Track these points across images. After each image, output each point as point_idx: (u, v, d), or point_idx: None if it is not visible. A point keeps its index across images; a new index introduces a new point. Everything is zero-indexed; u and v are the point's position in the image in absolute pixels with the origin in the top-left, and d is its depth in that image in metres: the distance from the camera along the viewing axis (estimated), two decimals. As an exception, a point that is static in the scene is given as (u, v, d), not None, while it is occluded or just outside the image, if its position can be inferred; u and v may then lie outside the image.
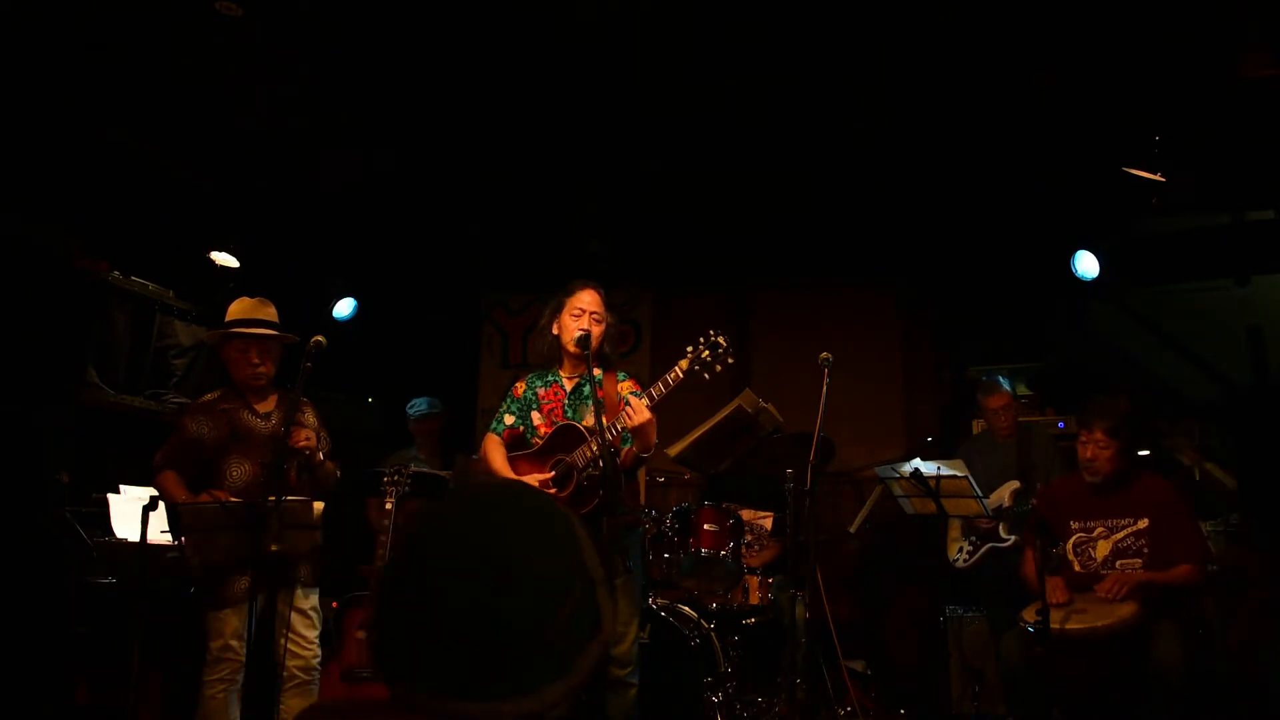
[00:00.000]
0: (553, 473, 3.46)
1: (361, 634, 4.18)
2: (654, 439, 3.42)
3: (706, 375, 3.32)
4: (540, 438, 3.59)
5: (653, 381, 3.40)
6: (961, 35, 4.06)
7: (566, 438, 3.46)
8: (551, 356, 3.70)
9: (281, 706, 3.60)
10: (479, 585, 1.06)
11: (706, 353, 3.31)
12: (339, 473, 3.91)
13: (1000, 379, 5.33)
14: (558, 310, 3.64)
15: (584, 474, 3.35)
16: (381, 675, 1.08)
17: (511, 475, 3.52)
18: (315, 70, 4.38)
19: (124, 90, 4.41)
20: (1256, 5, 3.79)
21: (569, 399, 3.63)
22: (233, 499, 3.49)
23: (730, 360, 3.33)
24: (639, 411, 3.26)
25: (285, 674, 3.60)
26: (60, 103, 4.42)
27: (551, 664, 1.05)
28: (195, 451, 3.68)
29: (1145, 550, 3.72)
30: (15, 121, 4.42)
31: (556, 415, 3.60)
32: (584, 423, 3.46)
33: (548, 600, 1.05)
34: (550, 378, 3.71)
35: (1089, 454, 3.83)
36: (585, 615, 1.09)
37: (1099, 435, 3.80)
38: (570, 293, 3.63)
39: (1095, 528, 3.86)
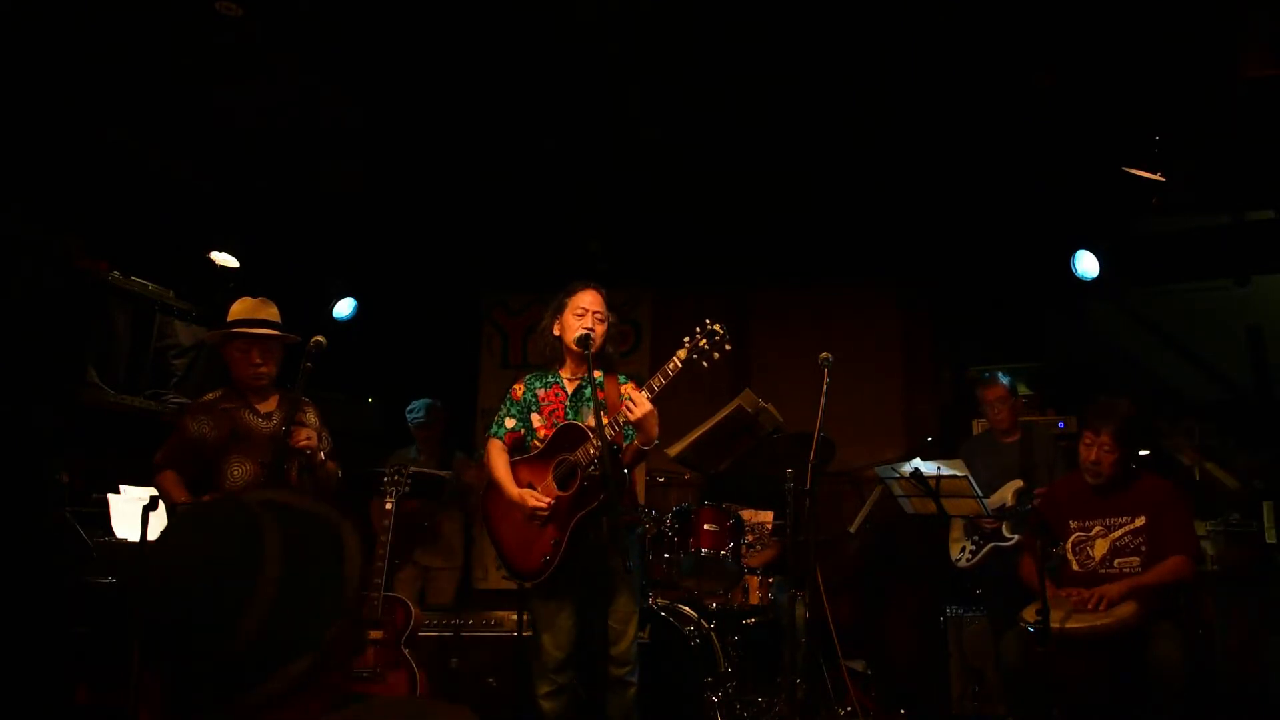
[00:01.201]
0: (553, 482, 3.46)
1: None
2: (656, 432, 3.41)
3: (705, 364, 3.32)
4: (541, 440, 3.59)
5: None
6: (961, 35, 4.06)
7: (569, 437, 3.46)
8: (553, 357, 3.70)
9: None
10: (179, 602, 1.08)
11: (704, 341, 3.31)
12: (340, 473, 3.91)
13: (999, 375, 5.34)
14: (559, 311, 3.64)
15: (587, 471, 3.36)
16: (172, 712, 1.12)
17: (513, 485, 3.51)
18: (315, 70, 4.38)
19: (124, 90, 4.41)
20: (1256, 5, 3.79)
21: (570, 401, 3.63)
22: None
23: (728, 347, 3.33)
24: (640, 404, 3.27)
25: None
26: (60, 103, 4.42)
27: (285, 644, 1.08)
28: (196, 451, 3.68)
29: (1143, 548, 3.72)
30: (15, 121, 4.42)
31: (558, 417, 3.59)
32: (586, 423, 3.46)
33: (246, 589, 1.07)
34: (550, 379, 3.70)
35: (1094, 456, 3.83)
36: (316, 584, 1.11)
37: (1105, 439, 3.78)
38: (572, 293, 3.63)
39: (1093, 527, 3.86)
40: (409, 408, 5.87)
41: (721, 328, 3.32)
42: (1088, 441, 3.86)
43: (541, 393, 3.68)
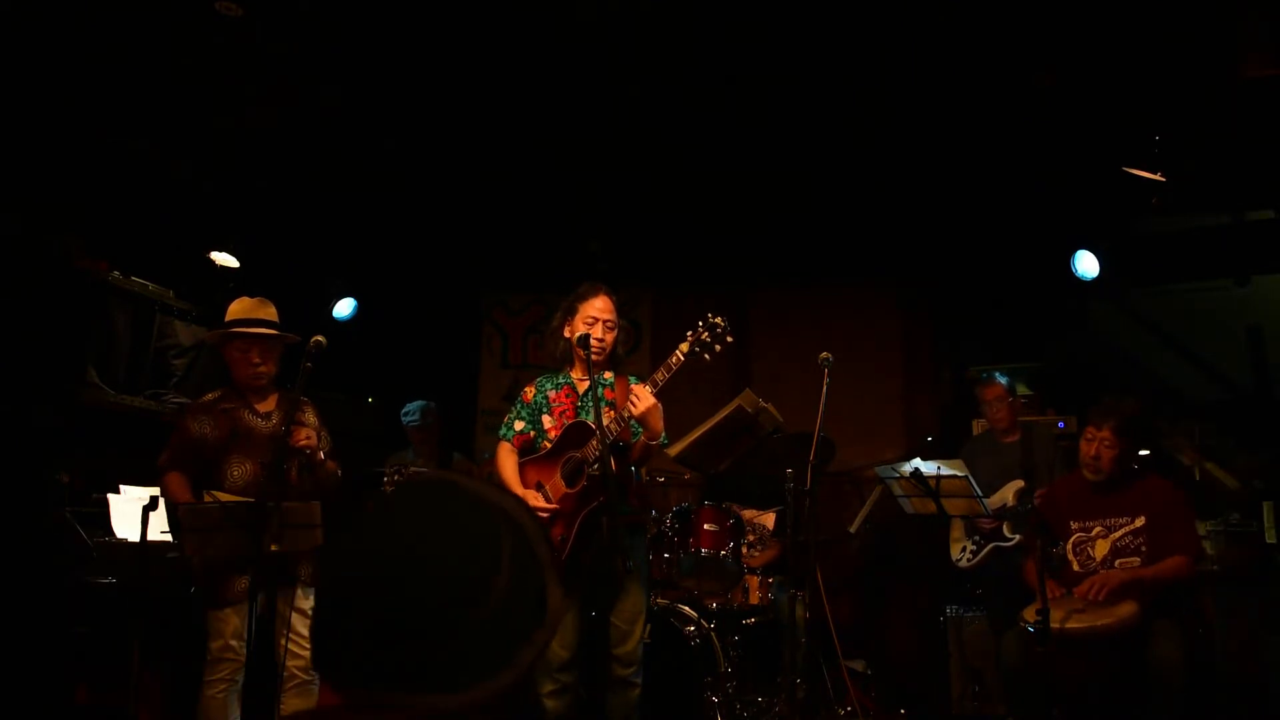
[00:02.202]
0: (561, 479, 3.47)
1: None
2: (661, 426, 3.43)
3: (706, 355, 3.37)
4: (550, 441, 3.60)
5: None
6: (961, 35, 4.06)
7: (577, 435, 3.48)
8: (564, 358, 3.71)
9: (281, 706, 3.59)
10: (408, 579, 1.06)
11: (706, 334, 3.35)
12: (340, 472, 3.91)
13: (997, 375, 5.35)
14: (570, 313, 3.64)
15: (593, 467, 3.36)
16: (323, 675, 1.09)
17: (519, 483, 3.52)
18: (315, 70, 4.38)
19: (124, 90, 4.41)
20: (1256, 5, 3.79)
21: (581, 401, 3.64)
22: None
23: (729, 339, 3.39)
24: (643, 398, 3.28)
25: (285, 674, 3.60)
26: (60, 103, 4.42)
27: (493, 653, 1.06)
28: (198, 451, 3.68)
29: (1143, 549, 3.72)
30: (15, 122, 4.42)
31: (569, 417, 3.60)
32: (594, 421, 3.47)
33: (477, 589, 1.06)
34: (561, 380, 3.71)
35: (1093, 451, 3.83)
36: (527, 602, 1.10)
37: (1107, 434, 3.79)
38: (583, 298, 3.61)
39: (1094, 527, 3.86)
40: (403, 410, 5.84)
41: (723, 320, 3.38)
42: (1089, 436, 3.86)
43: (553, 394, 3.68)
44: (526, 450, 3.67)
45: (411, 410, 5.82)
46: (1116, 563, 3.76)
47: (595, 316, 3.56)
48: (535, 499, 3.44)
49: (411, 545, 1.08)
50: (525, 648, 1.08)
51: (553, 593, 1.12)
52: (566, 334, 3.64)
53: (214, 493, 3.58)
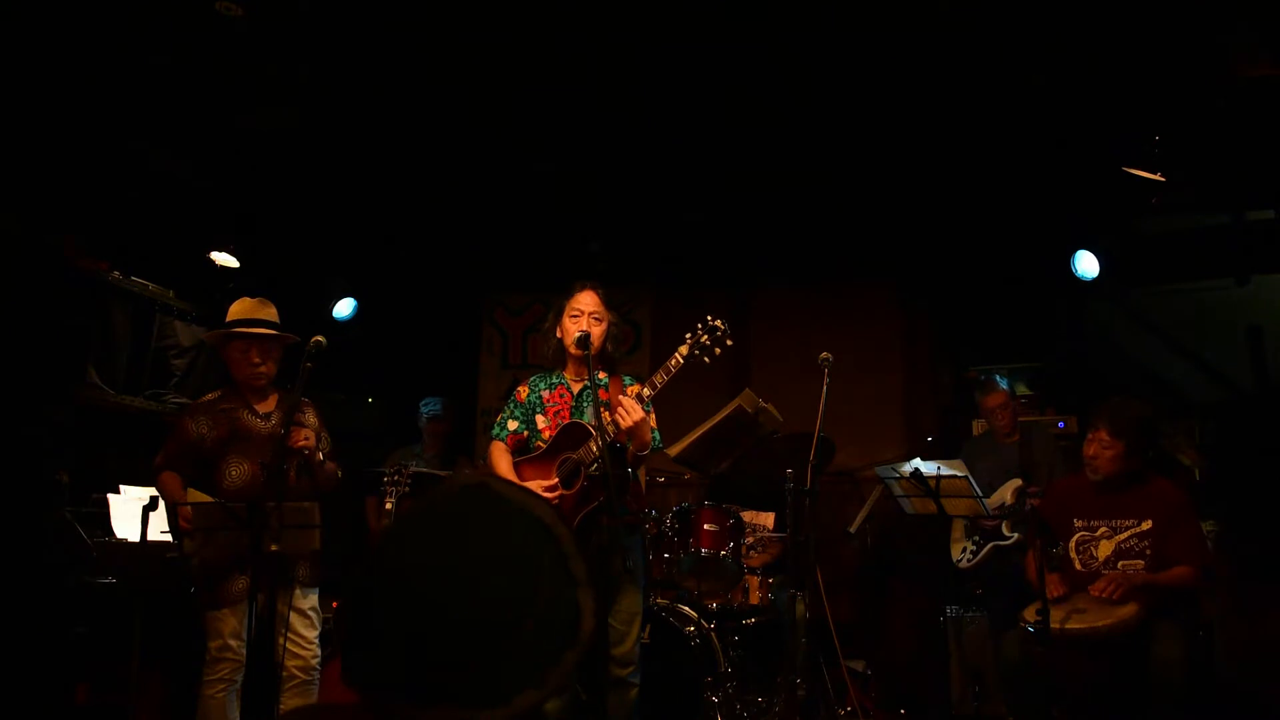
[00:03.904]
0: (557, 479, 3.46)
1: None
2: (649, 438, 3.44)
3: (706, 359, 3.36)
4: (544, 441, 3.59)
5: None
6: (962, 35, 4.05)
7: (573, 436, 3.47)
8: (556, 360, 3.71)
9: (281, 706, 3.60)
10: (446, 591, 1.04)
11: (705, 337, 3.35)
12: (340, 473, 3.91)
13: (998, 378, 5.35)
14: (559, 314, 3.65)
15: (590, 469, 3.36)
16: (351, 682, 1.07)
17: (515, 478, 3.52)
18: (315, 70, 4.38)
19: (124, 90, 4.41)
20: (1256, 5, 3.79)
21: (576, 401, 3.63)
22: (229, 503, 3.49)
23: (729, 343, 3.39)
24: (633, 410, 3.29)
25: (285, 674, 3.60)
26: (60, 103, 4.42)
27: (524, 671, 1.04)
28: (195, 452, 3.68)
29: (1148, 552, 3.71)
30: (16, 122, 4.42)
31: (564, 418, 3.59)
32: (590, 422, 3.47)
33: (516, 606, 1.03)
34: (555, 380, 3.71)
35: (1091, 451, 3.83)
36: (561, 620, 1.07)
37: (1103, 435, 3.79)
38: (570, 295, 3.64)
39: (1099, 527, 3.86)
40: (423, 402, 5.94)
41: (723, 323, 3.38)
42: (1090, 437, 3.87)
43: (546, 394, 3.68)
44: (519, 450, 3.66)
45: (432, 402, 5.94)
46: (1119, 564, 3.75)
47: (580, 310, 3.57)
48: (536, 489, 3.42)
49: (449, 555, 1.04)
50: (554, 670, 1.04)
51: (586, 612, 1.09)
52: (557, 335, 3.65)
53: (212, 493, 3.58)
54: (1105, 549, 3.81)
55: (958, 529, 5.07)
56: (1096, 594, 3.60)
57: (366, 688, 1.05)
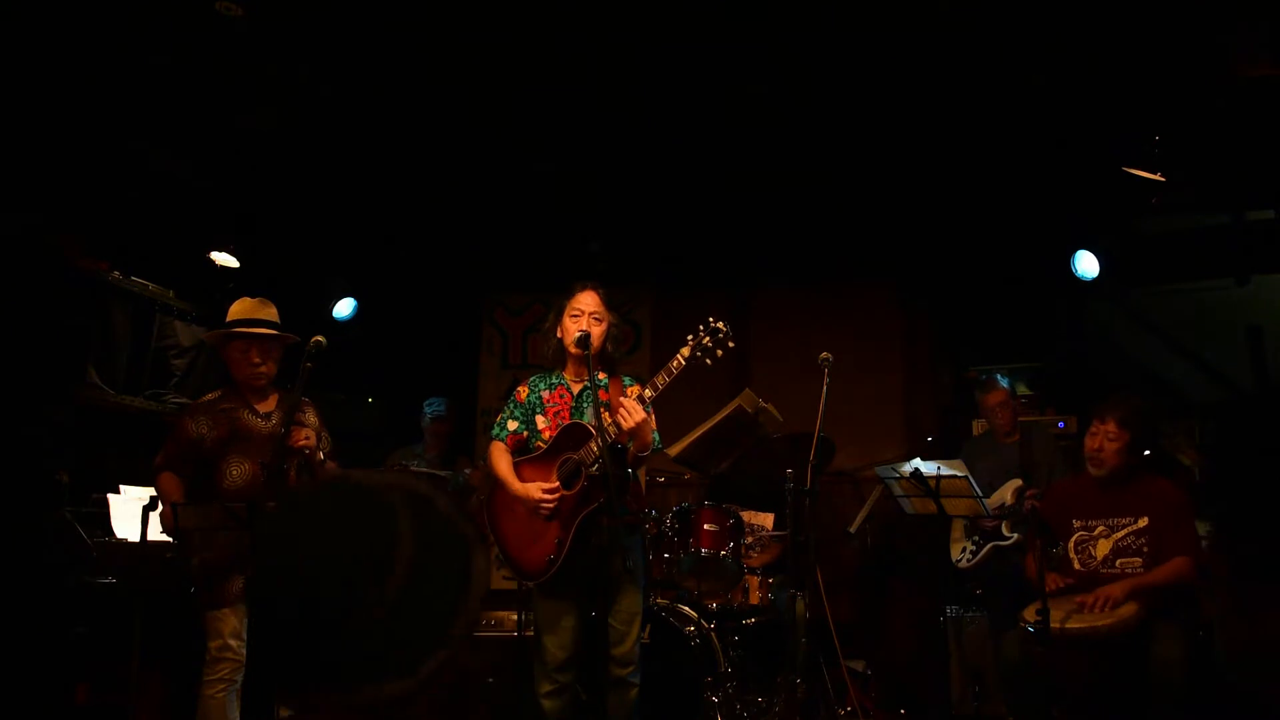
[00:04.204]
0: (558, 479, 3.46)
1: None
2: (650, 439, 3.45)
3: (708, 360, 3.36)
4: (545, 441, 3.59)
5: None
6: (962, 35, 4.06)
7: (574, 436, 3.47)
8: (556, 360, 3.71)
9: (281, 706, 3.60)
10: (322, 579, 1.08)
11: (707, 339, 3.35)
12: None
13: (998, 377, 5.35)
14: (560, 314, 3.65)
15: (591, 469, 3.36)
16: (288, 702, 1.10)
17: (516, 480, 3.51)
18: (315, 70, 4.38)
19: (124, 90, 4.41)
20: (1256, 5, 3.79)
21: (576, 402, 3.63)
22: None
23: (731, 344, 3.38)
24: (634, 412, 3.29)
25: (285, 674, 3.60)
26: (60, 103, 4.42)
27: (424, 638, 1.08)
28: (195, 452, 3.68)
29: (1145, 549, 3.72)
30: (16, 122, 4.42)
31: (564, 418, 3.59)
32: (591, 422, 3.46)
33: (384, 567, 1.07)
34: (555, 380, 3.70)
35: (1097, 444, 3.84)
36: (448, 576, 1.11)
37: (1111, 426, 3.80)
38: (570, 295, 3.64)
39: (1096, 526, 3.86)
40: (427, 402, 5.96)
41: (725, 325, 3.37)
42: (1092, 430, 3.87)
43: (546, 394, 3.68)
44: (519, 450, 3.66)
45: (436, 402, 5.96)
46: (1118, 562, 3.76)
47: (580, 310, 3.57)
48: (536, 491, 3.43)
49: (314, 549, 1.08)
50: (456, 620, 1.08)
51: (477, 567, 1.12)
52: (558, 335, 3.64)
53: (213, 493, 3.58)
54: (1103, 548, 3.81)
55: (957, 528, 5.07)
56: (1085, 606, 3.60)
57: (300, 700, 1.08)
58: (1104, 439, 3.82)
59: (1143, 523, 3.75)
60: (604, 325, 3.59)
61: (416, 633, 1.08)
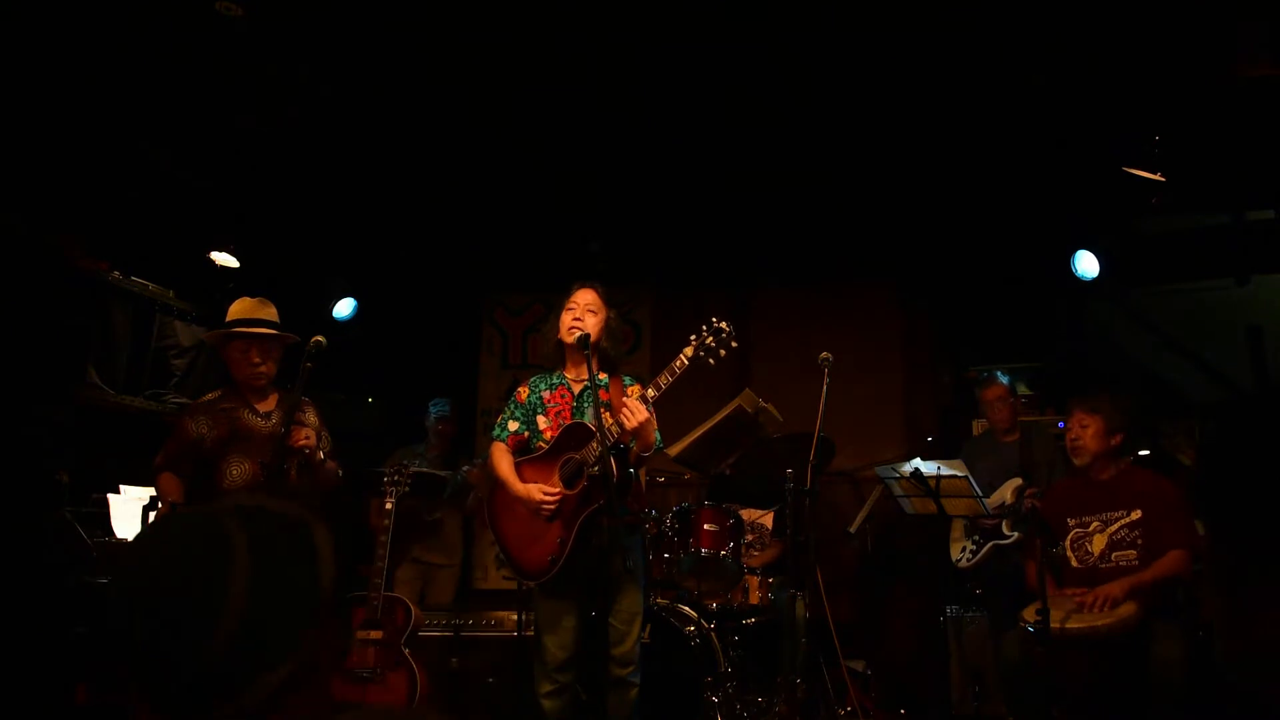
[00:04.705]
0: (560, 480, 3.46)
1: (361, 634, 4.17)
2: (653, 439, 3.45)
3: (711, 360, 3.36)
4: (546, 441, 3.59)
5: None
6: (962, 35, 4.06)
7: (575, 436, 3.47)
8: (555, 358, 3.71)
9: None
10: (157, 611, 1.08)
11: (710, 339, 3.35)
12: (340, 472, 3.91)
13: (999, 374, 5.35)
14: (558, 313, 3.65)
15: (593, 469, 3.36)
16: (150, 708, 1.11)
17: (518, 481, 3.51)
18: (315, 70, 4.38)
19: (124, 90, 4.41)
20: (1256, 5, 3.79)
21: (576, 401, 3.63)
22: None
23: (734, 344, 3.40)
24: (637, 411, 3.28)
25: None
26: (60, 103, 4.42)
27: (275, 646, 1.07)
28: (195, 452, 3.68)
29: (1139, 542, 3.72)
30: (16, 122, 4.42)
31: (564, 418, 3.59)
32: (592, 422, 3.46)
33: (216, 592, 1.07)
34: (555, 380, 3.70)
35: (1073, 434, 3.90)
36: (292, 586, 1.10)
37: (1080, 415, 3.87)
38: (568, 294, 3.64)
39: (1091, 522, 3.87)
40: (432, 403, 5.95)
41: (728, 325, 3.38)
42: (1068, 425, 3.90)
43: (546, 394, 3.67)
44: (520, 450, 3.66)
45: (441, 403, 5.96)
46: (1114, 555, 3.76)
47: (575, 303, 3.58)
48: (541, 492, 3.43)
49: (147, 583, 1.09)
50: (305, 626, 1.08)
51: (324, 570, 1.12)
52: (558, 334, 3.64)
53: (213, 493, 3.58)
54: (1099, 543, 3.82)
55: (957, 528, 5.07)
56: (1083, 606, 3.60)
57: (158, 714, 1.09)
58: (1076, 427, 3.88)
59: (1135, 515, 3.76)
60: (600, 317, 3.58)
61: (272, 628, 1.08)
